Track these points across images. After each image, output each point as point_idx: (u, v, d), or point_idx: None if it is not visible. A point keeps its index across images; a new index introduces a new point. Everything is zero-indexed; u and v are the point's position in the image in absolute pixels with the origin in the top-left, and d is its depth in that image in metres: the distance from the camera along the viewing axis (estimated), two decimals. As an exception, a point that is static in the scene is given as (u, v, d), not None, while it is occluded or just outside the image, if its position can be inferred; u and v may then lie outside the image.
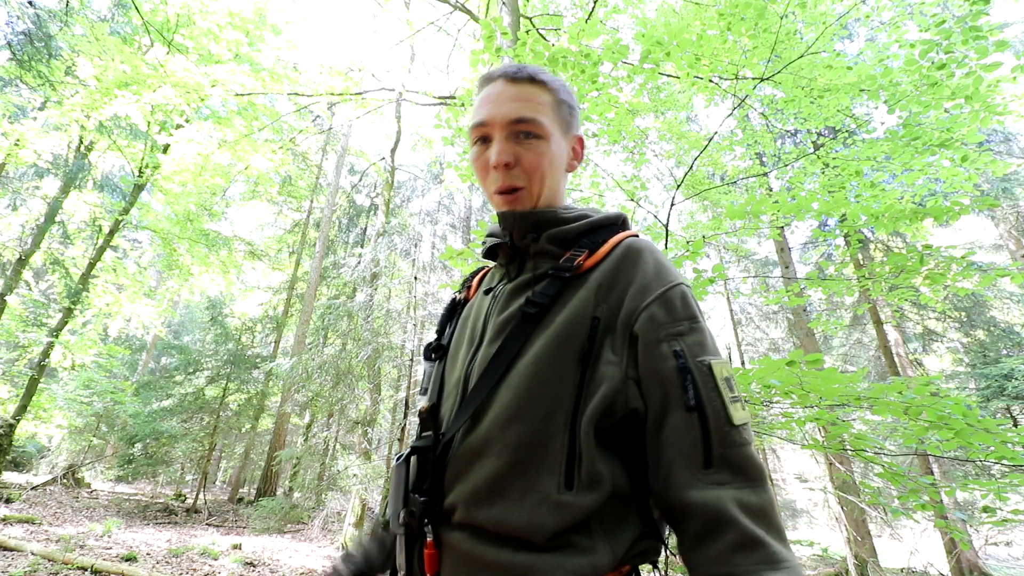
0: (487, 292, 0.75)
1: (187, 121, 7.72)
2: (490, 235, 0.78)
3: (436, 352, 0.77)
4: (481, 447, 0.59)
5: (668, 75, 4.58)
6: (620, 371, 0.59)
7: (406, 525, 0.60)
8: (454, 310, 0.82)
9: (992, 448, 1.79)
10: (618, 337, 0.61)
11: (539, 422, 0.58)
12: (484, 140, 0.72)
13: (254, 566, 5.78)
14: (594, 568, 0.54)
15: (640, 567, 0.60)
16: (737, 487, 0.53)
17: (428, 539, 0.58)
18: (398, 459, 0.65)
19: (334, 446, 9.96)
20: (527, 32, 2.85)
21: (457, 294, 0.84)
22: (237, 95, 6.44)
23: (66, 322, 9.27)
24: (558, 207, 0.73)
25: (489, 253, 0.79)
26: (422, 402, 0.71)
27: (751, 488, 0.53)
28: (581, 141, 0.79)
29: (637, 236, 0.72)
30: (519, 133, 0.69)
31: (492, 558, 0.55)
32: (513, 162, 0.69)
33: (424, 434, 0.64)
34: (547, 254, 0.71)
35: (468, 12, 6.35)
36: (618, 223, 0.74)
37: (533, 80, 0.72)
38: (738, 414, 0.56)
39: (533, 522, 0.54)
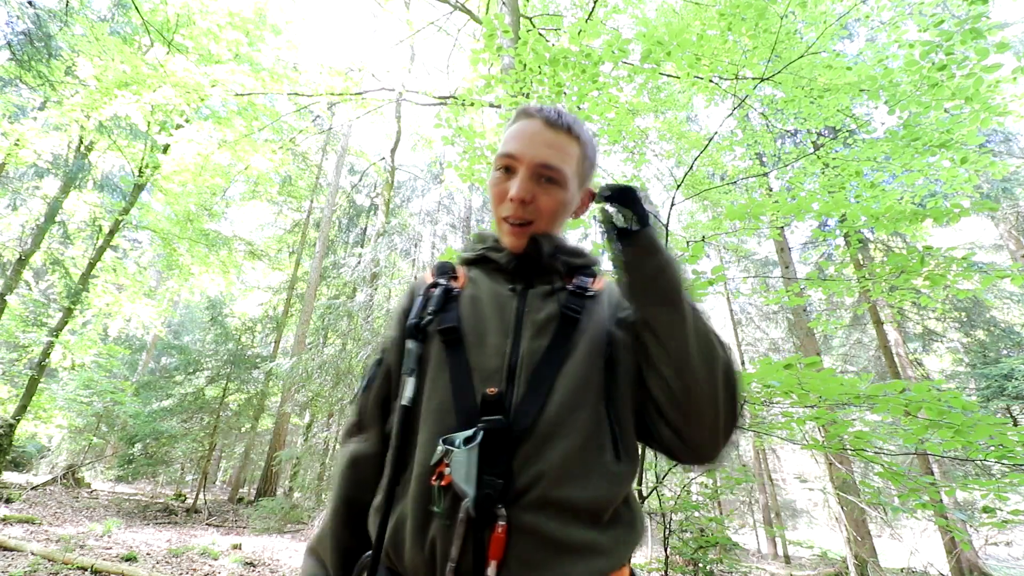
0: (509, 291, 0.80)
1: (187, 121, 7.72)
2: (492, 245, 0.84)
3: (446, 334, 0.75)
4: (552, 430, 0.65)
5: (668, 75, 4.58)
6: (632, 371, 0.74)
7: (477, 509, 0.59)
8: (448, 297, 0.81)
9: (992, 448, 1.80)
10: (623, 348, 0.75)
11: (593, 408, 0.68)
12: (507, 170, 0.78)
13: (254, 566, 5.78)
14: (638, 539, 0.67)
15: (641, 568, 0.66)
16: None
17: (501, 523, 0.59)
18: (465, 443, 0.62)
19: (334, 446, 9.96)
20: (528, 32, 2.85)
21: (442, 280, 0.83)
22: (237, 95, 6.44)
23: (66, 322, 9.27)
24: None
25: (477, 259, 0.85)
26: (486, 386, 0.68)
27: None
28: (592, 194, 0.86)
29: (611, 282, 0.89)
30: (542, 176, 0.77)
31: (562, 536, 0.60)
32: (530, 200, 0.77)
33: (493, 417, 0.65)
34: (555, 272, 0.81)
35: (468, 12, 6.35)
36: (598, 262, 0.91)
37: (569, 131, 0.79)
38: None
39: (599, 495, 0.63)
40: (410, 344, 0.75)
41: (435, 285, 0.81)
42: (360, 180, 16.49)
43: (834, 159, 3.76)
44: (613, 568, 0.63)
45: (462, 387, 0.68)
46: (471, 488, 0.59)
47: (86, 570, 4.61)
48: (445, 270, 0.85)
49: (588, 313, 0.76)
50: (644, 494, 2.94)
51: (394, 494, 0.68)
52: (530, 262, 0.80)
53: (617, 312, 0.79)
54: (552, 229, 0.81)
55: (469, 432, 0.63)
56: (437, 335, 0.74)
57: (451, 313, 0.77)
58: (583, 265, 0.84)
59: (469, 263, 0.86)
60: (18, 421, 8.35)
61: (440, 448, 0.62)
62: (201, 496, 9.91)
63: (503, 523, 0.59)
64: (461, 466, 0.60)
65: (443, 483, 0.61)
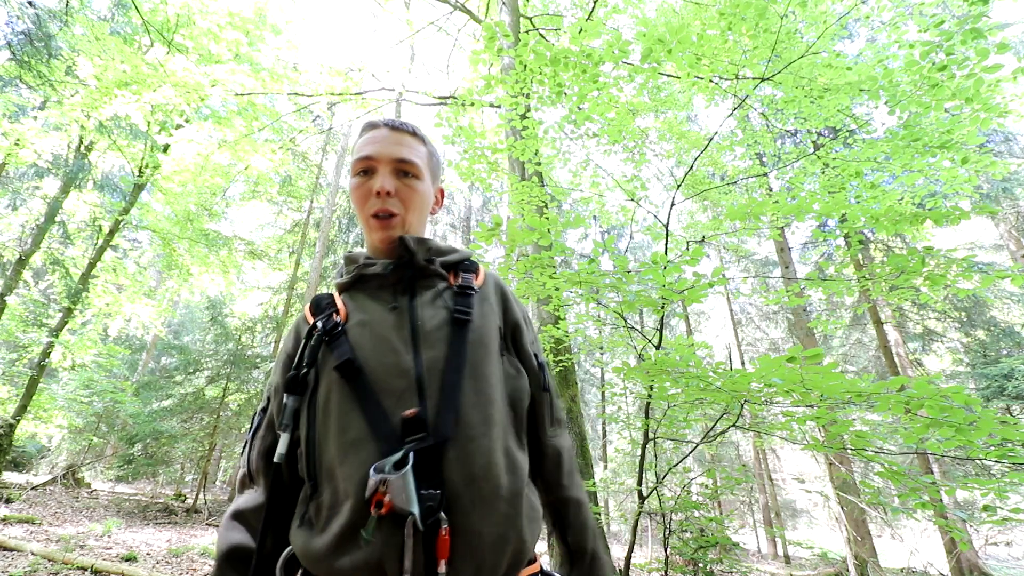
0: (392, 309, 0.80)
1: (187, 121, 7.72)
2: (364, 262, 0.85)
3: (346, 369, 0.73)
4: (472, 433, 0.69)
5: (668, 75, 4.59)
6: (518, 368, 0.84)
7: (424, 522, 0.62)
8: (336, 334, 0.79)
9: (993, 447, 1.80)
10: (509, 344, 0.85)
11: (499, 402, 0.75)
12: (366, 172, 0.85)
13: (254, 566, 5.78)
14: (539, 531, 0.75)
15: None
16: (563, 435, 0.88)
17: (444, 527, 0.63)
18: (397, 467, 0.63)
19: (334, 446, 9.95)
20: (528, 32, 2.85)
21: (321, 321, 0.80)
22: (237, 95, 6.44)
23: (66, 322, 9.27)
24: (413, 234, 0.87)
25: (355, 282, 0.85)
26: (400, 408, 0.69)
27: (566, 434, 0.89)
28: (443, 192, 0.99)
29: (494, 273, 0.97)
30: (400, 171, 0.84)
31: (492, 527, 0.66)
32: (393, 192, 0.82)
33: (415, 436, 0.67)
34: (436, 275, 0.85)
35: (468, 12, 6.35)
36: (472, 254, 0.96)
37: (414, 134, 0.89)
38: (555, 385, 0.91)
39: (517, 485, 0.70)
40: (287, 399, 0.75)
41: (315, 327, 0.79)
42: (360, 180, 16.47)
43: (834, 159, 3.76)
44: (531, 559, 0.72)
45: (375, 415, 0.68)
46: (414, 506, 0.61)
47: (86, 570, 4.61)
48: (322, 307, 0.84)
49: (478, 311, 0.81)
50: (644, 494, 2.94)
51: (268, 544, 0.74)
52: (408, 267, 0.83)
53: (499, 309, 0.87)
54: (417, 223, 0.87)
55: (397, 456, 0.64)
56: (334, 372, 0.73)
57: (343, 347, 0.75)
58: (460, 260, 0.89)
59: (347, 288, 0.86)
60: (18, 421, 8.34)
61: (374, 478, 0.63)
62: (201, 496, 9.91)
63: (446, 527, 0.63)
64: (400, 490, 0.62)
65: (383, 511, 0.61)
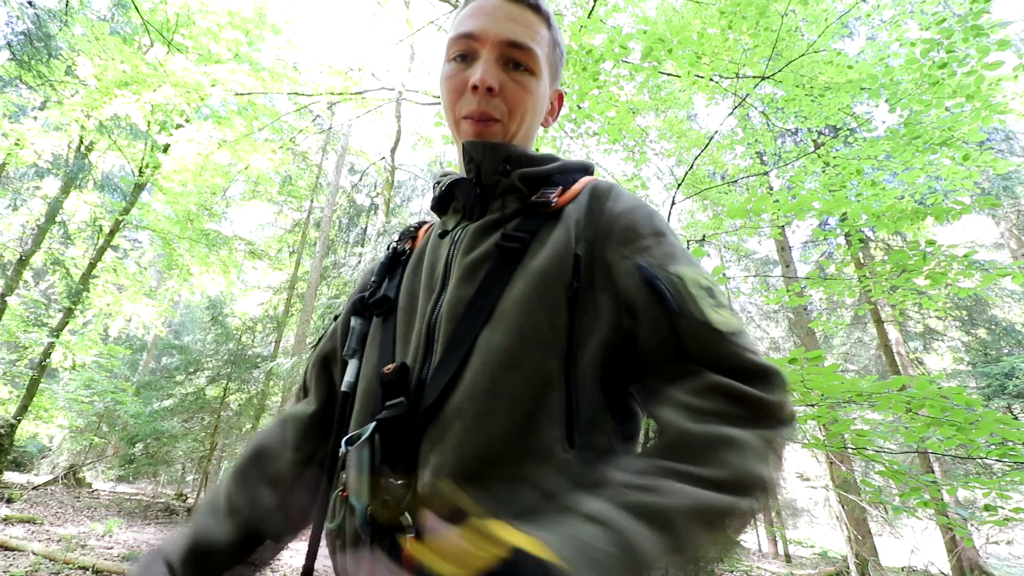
0: (442, 235, 0.65)
1: (187, 121, 7.72)
2: (443, 175, 0.69)
3: (379, 305, 0.63)
4: (465, 403, 0.48)
5: (669, 74, 4.58)
6: (612, 306, 0.54)
7: (373, 523, 0.47)
8: (395, 261, 0.69)
9: (994, 446, 1.79)
10: (598, 273, 0.56)
11: (534, 370, 0.50)
12: (465, 58, 0.62)
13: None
14: None
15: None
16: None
17: (409, 536, 0.44)
18: (351, 440, 0.50)
19: (335, 446, 9.97)
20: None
21: (397, 244, 0.71)
22: (237, 95, 6.44)
23: (67, 322, 9.27)
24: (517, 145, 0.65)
25: (441, 202, 0.69)
26: (404, 359, 0.55)
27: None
28: (561, 97, 0.73)
29: (601, 179, 0.69)
30: (511, 61, 0.61)
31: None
32: (498, 89, 0.60)
33: (393, 401, 0.51)
34: (516, 192, 0.63)
35: (468, 11, 6.34)
36: (588, 169, 0.69)
37: (536, 8, 0.64)
38: (723, 320, 0.49)
39: (540, 491, 0.46)
40: (354, 322, 0.64)
41: (394, 250, 0.70)
42: (360, 180, 16.48)
43: (835, 158, 3.76)
44: None
45: (385, 365, 0.55)
46: (361, 499, 0.47)
47: (87, 570, 4.61)
48: (407, 232, 0.73)
49: (541, 238, 0.58)
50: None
51: (324, 512, 0.55)
52: (477, 183, 0.64)
53: (587, 227, 0.58)
54: (524, 134, 0.65)
55: (371, 426, 0.49)
56: (372, 308, 0.64)
57: (395, 279, 0.66)
58: (550, 173, 0.64)
59: (436, 210, 0.71)
60: (19, 421, 8.35)
61: (342, 451, 0.50)
62: (202, 496, 9.91)
63: (412, 535, 0.44)
64: (352, 471, 0.48)
65: (342, 494, 0.50)
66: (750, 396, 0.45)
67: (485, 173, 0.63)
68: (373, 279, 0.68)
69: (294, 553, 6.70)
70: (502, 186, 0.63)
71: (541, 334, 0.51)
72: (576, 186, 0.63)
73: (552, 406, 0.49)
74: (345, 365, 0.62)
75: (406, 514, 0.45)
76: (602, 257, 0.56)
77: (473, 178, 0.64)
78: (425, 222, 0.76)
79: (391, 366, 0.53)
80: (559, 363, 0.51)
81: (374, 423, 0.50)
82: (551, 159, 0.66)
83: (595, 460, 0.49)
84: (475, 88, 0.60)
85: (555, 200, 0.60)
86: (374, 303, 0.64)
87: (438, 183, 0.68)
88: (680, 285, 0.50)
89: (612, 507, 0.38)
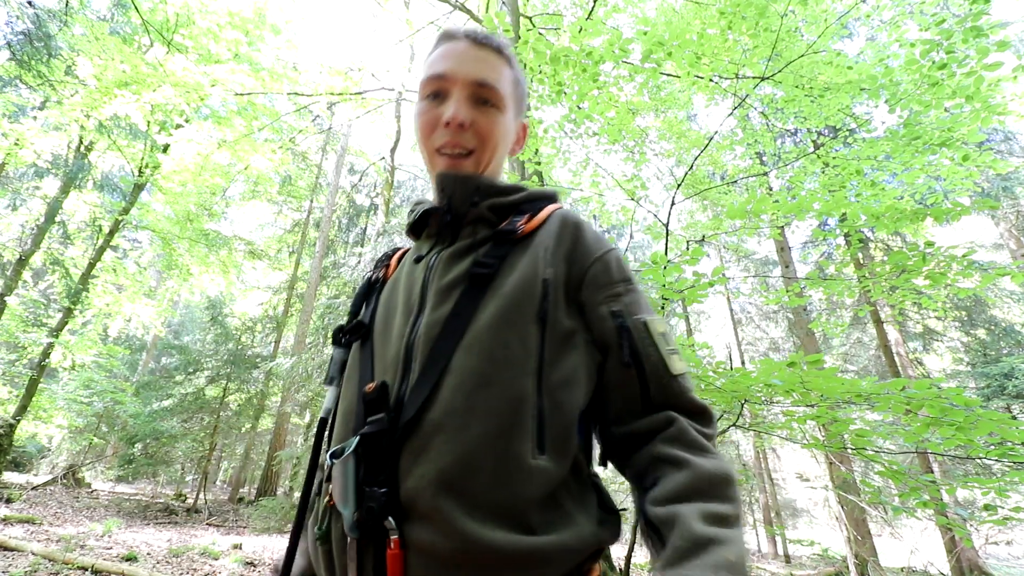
0: (417, 260, 0.69)
1: (187, 121, 7.72)
2: (418, 203, 0.74)
3: (354, 332, 0.68)
4: (444, 419, 0.53)
5: (669, 74, 4.58)
6: (584, 337, 0.61)
7: (361, 527, 0.51)
8: (371, 289, 0.74)
9: (993, 446, 1.79)
10: (569, 302, 0.62)
11: (507, 387, 0.54)
12: (437, 96, 0.67)
13: (254, 566, 5.78)
14: (581, 538, 0.52)
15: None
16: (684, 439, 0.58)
17: (393, 537, 0.50)
18: (336, 454, 0.55)
19: (334, 446, 9.96)
20: (528, 31, 2.85)
21: (372, 274, 0.76)
22: (237, 95, 6.44)
23: (66, 322, 9.26)
24: (487, 176, 0.70)
25: (415, 226, 0.73)
26: (384, 379, 0.59)
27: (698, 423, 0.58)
28: (525, 129, 0.79)
29: (567, 209, 0.73)
30: (479, 98, 0.67)
31: (464, 548, 0.48)
32: (468, 124, 0.66)
33: (374, 417, 0.55)
34: (485, 221, 0.68)
35: (468, 12, 6.35)
36: (552, 197, 0.74)
37: (500, 52, 0.70)
38: (676, 364, 0.60)
39: (514, 494, 0.51)
40: (334, 351, 0.70)
41: (366, 281, 0.76)
42: (360, 180, 16.48)
43: (834, 158, 3.76)
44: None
45: (365, 385, 0.60)
46: (348, 506, 0.52)
47: (87, 570, 4.61)
48: (381, 261, 0.78)
49: (511, 263, 0.62)
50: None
51: (302, 520, 0.61)
52: (448, 211, 0.68)
53: (555, 255, 0.63)
54: (494, 164, 0.70)
55: (355, 440, 0.54)
56: (350, 335, 0.68)
57: (371, 305, 0.71)
58: (518, 202, 0.69)
59: (412, 235, 0.76)
60: (18, 421, 8.34)
61: (327, 463, 0.56)
62: (201, 496, 9.91)
63: (395, 537, 0.50)
64: (338, 481, 0.53)
65: (329, 503, 0.56)
66: (710, 435, 0.57)
67: (456, 202, 0.68)
68: (351, 309, 0.73)
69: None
70: (472, 215, 0.68)
71: (512, 354, 0.56)
72: (542, 214, 0.68)
73: (524, 420, 0.54)
74: None
75: (390, 519, 0.51)
76: (575, 291, 0.63)
77: (446, 206, 0.68)
78: (398, 249, 0.82)
79: (372, 384, 0.58)
80: (531, 379, 0.56)
81: (357, 437, 0.55)
82: (518, 189, 0.71)
83: (563, 467, 0.55)
84: (448, 124, 0.65)
85: (522, 228, 0.66)
86: (351, 330, 0.69)
87: (413, 210, 0.73)
88: (645, 331, 0.60)
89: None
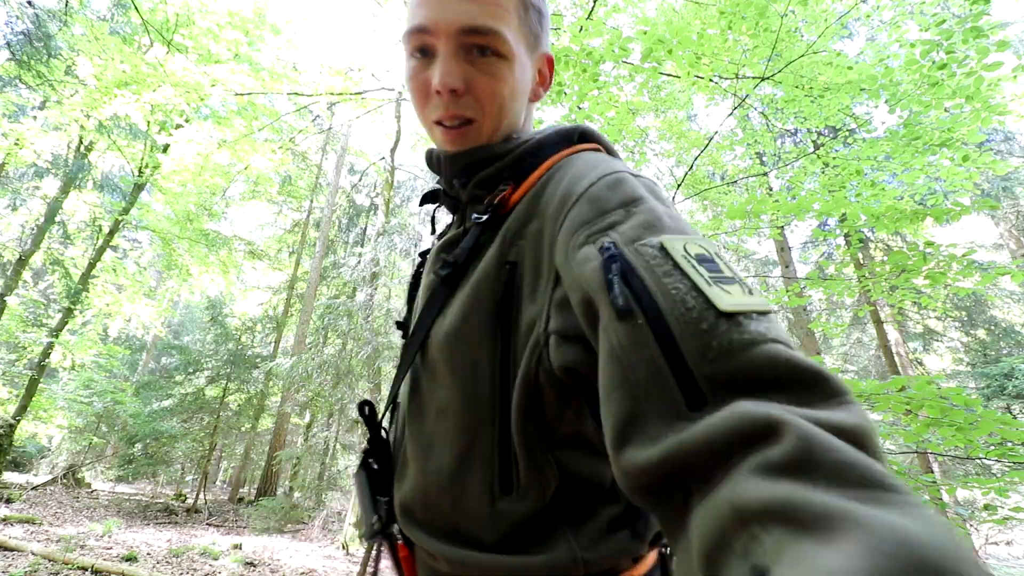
0: (422, 255, 0.65)
1: (187, 121, 7.72)
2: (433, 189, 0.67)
3: (401, 329, 0.66)
4: (411, 447, 0.53)
5: (669, 74, 4.58)
6: (540, 324, 0.43)
7: (377, 533, 0.54)
8: (415, 281, 0.68)
9: (993, 446, 1.79)
10: (541, 279, 0.45)
11: (460, 415, 0.47)
12: (424, 52, 0.53)
13: (254, 566, 5.78)
14: (552, 565, 0.43)
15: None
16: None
17: (399, 541, 0.52)
18: (359, 464, 0.58)
19: (334, 446, 9.96)
20: (528, 31, 2.85)
21: (418, 260, 0.70)
22: (237, 95, 6.44)
23: (66, 322, 9.26)
24: (498, 141, 0.56)
25: (436, 213, 0.70)
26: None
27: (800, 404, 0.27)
28: (551, 61, 0.59)
29: (597, 151, 0.54)
30: (472, 47, 0.51)
31: (450, 557, 0.47)
32: (463, 88, 0.51)
33: (371, 435, 0.58)
34: (478, 202, 0.55)
35: (468, 12, 6.34)
36: (572, 136, 0.55)
37: None
38: (727, 297, 0.32)
39: (475, 534, 0.46)
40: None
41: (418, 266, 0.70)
42: (360, 180, 16.47)
43: (834, 158, 3.76)
44: None
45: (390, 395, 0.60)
46: (367, 513, 0.55)
47: (86, 570, 4.61)
48: (425, 252, 0.70)
49: (481, 254, 0.51)
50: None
51: None
52: (447, 194, 0.61)
53: (527, 222, 0.49)
54: (507, 124, 0.55)
55: (360, 457, 0.58)
56: (402, 332, 0.66)
57: (415, 300, 0.65)
58: (509, 164, 0.54)
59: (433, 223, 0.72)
60: (18, 421, 8.34)
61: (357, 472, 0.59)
62: (201, 496, 9.90)
63: (400, 541, 0.52)
64: (358, 492, 0.56)
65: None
66: (856, 431, 0.26)
67: (447, 185, 0.59)
68: (406, 301, 0.68)
69: (293, 553, 6.69)
70: (464, 197, 0.57)
71: (466, 375, 0.47)
72: (537, 171, 0.52)
73: (483, 452, 0.46)
74: None
75: (395, 525, 0.53)
76: (548, 255, 0.45)
77: (444, 190, 0.60)
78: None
79: (361, 403, 0.58)
80: (489, 403, 0.46)
81: (362, 455, 0.57)
82: (514, 147, 0.54)
83: (535, 505, 0.45)
84: (438, 92, 0.51)
85: (505, 200, 0.52)
86: (399, 326, 0.66)
87: (425, 196, 0.68)
88: (659, 256, 0.35)
89: None
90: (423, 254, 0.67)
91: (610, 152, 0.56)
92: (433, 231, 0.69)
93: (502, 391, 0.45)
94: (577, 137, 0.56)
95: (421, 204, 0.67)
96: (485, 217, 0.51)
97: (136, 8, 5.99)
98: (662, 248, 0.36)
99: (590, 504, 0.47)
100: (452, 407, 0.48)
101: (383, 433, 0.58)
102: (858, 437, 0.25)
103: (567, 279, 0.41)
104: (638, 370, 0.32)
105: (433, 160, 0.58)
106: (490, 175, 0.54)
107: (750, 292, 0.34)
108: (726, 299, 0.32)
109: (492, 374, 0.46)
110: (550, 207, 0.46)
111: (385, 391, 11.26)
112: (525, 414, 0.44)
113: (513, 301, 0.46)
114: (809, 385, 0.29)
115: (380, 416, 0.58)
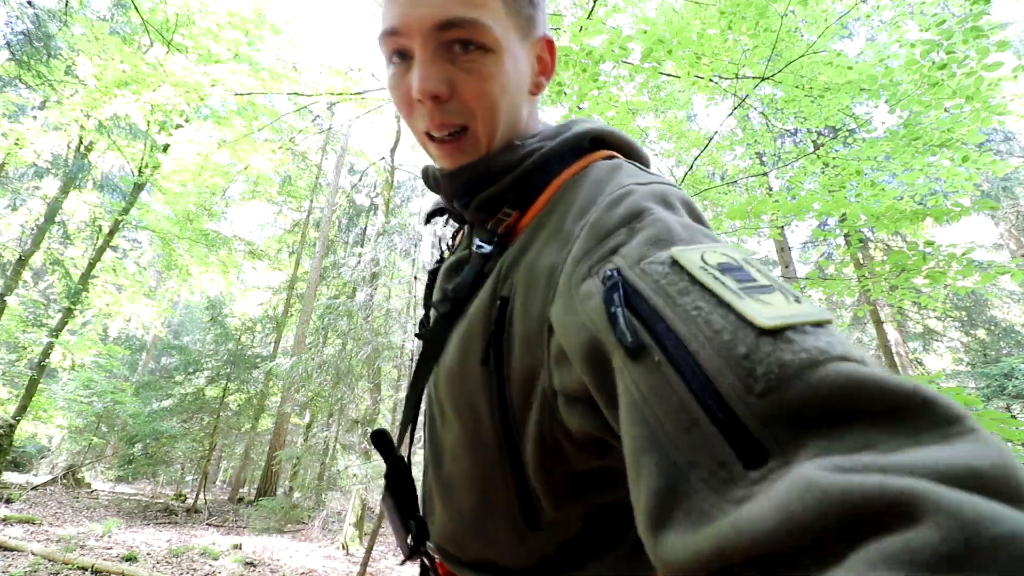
0: (431, 272, 0.63)
1: (187, 121, 7.72)
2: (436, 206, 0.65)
3: (419, 338, 0.60)
4: (436, 486, 0.53)
5: (669, 74, 4.58)
6: (544, 380, 0.39)
7: (412, 552, 0.56)
8: (432, 284, 0.63)
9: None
10: (534, 324, 0.40)
11: (474, 461, 0.45)
12: (403, 56, 0.47)
13: (254, 566, 5.78)
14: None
15: None
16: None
17: (436, 559, 0.55)
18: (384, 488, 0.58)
19: (334, 446, 9.96)
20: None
21: (434, 264, 0.63)
22: (237, 95, 6.44)
23: (66, 322, 9.27)
24: (498, 149, 0.49)
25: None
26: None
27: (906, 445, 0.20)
28: (551, 45, 0.52)
29: (612, 158, 0.48)
30: (452, 43, 0.44)
31: None
32: (447, 92, 0.44)
33: (390, 461, 0.58)
34: (483, 224, 0.50)
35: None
36: (582, 144, 0.49)
37: None
38: (766, 308, 0.25)
39: (509, 562, 0.47)
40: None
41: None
42: (360, 180, 16.48)
43: (834, 158, 3.77)
44: None
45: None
46: (399, 534, 0.56)
47: (86, 570, 4.61)
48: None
49: (485, 281, 0.46)
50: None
51: None
52: (452, 211, 0.57)
53: (526, 251, 0.44)
54: (505, 126, 0.48)
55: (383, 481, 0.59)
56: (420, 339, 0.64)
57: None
58: (515, 180, 0.48)
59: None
60: (18, 421, 8.34)
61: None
62: (201, 496, 9.90)
63: (437, 559, 0.54)
64: (386, 511, 0.57)
65: None
66: (996, 475, 0.18)
67: (448, 205, 0.54)
68: (423, 302, 0.64)
69: (293, 553, 6.69)
70: (468, 217, 0.52)
71: (468, 419, 0.44)
72: (546, 192, 0.46)
73: (500, 495, 0.44)
74: None
75: (428, 543, 0.55)
76: (543, 299, 0.40)
77: (450, 209, 0.55)
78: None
79: (374, 433, 0.58)
80: (495, 449, 0.43)
81: (385, 481, 0.57)
82: (523, 158, 0.48)
83: (568, 533, 0.44)
84: (420, 101, 0.45)
85: (510, 229, 0.47)
86: (417, 335, 0.62)
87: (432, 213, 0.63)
88: (671, 272, 0.29)
89: None
90: (432, 272, 0.63)
91: (628, 152, 0.50)
92: (440, 254, 0.63)
93: (507, 438, 0.42)
94: (589, 143, 0.50)
95: (426, 222, 0.62)
96: (488, 249, 0.46)
97: (136, 8, 5.99)
98: (674, 263, 0.29)
99: (623, 524, 0.44)
100: (463, 450, 0.46)
101: (400, 455, 0.58)
102: (1005, 483, 0.17)
103: (562, 326, 0.35)
104: (667, 425, 0.24)
105: (430, 179, 0.52)
106: (492, 196, 0.49)
107: (797, 300, 0.27)
108: (765, 312, 0.25)
109: (493, 421, 0.42)
110: (551, 244, 0.41)
111: (385, 391, 11.26)
112: (543, 467, 0.41)
113: (503, 342, 0.41)
114: (909, 414, 0.20)
115: (397, 444, 0.58)
